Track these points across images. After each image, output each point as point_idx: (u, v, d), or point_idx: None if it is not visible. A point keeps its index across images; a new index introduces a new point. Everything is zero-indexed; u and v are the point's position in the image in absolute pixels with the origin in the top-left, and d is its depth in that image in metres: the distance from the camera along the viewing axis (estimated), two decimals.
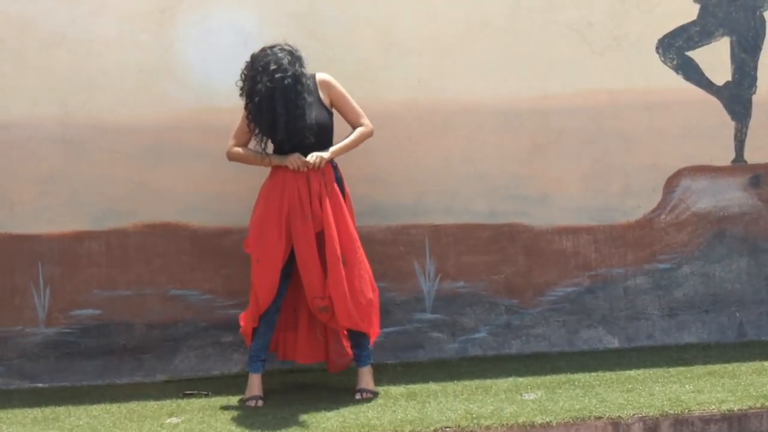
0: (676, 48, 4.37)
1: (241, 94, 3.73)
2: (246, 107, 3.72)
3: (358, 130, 3.82)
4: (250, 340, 3.80)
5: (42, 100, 4.12)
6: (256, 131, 3.71)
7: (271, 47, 3.70)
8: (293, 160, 3.69)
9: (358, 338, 3.82)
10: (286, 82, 3.60)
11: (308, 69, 3.74)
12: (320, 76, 3.79)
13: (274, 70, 3.60)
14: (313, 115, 3.68)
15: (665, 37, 4.37)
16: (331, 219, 3.70)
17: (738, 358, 4.07)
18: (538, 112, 4.29)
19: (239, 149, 3.82)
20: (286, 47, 3.70)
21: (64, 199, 4.14)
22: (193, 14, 4.15)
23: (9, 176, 4.13)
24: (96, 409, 3.73)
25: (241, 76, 3.73)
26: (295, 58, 3.68)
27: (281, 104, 3.60)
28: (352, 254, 3.73)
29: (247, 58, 3.73)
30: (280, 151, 3.75)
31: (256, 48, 3.88)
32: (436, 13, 4.24)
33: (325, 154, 3.72)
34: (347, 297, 3.69)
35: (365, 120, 3.84)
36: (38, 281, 4.14)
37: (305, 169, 3.69)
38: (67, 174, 4.14)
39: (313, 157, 3.69)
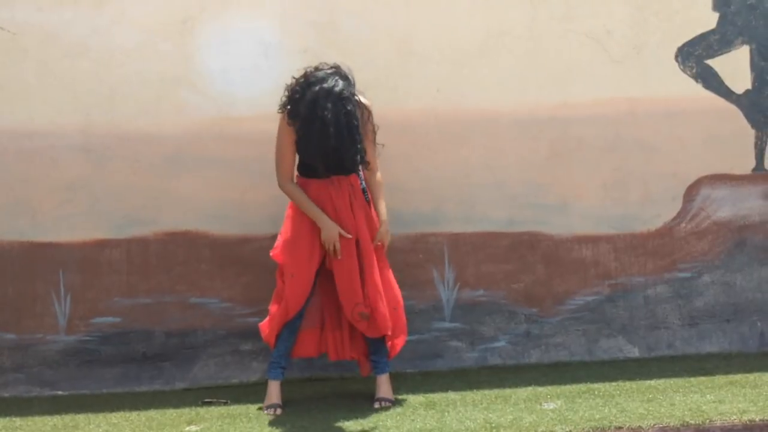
0: (695, 56, 4.36)
1: (280, 110, 3.67)
2: (295, 128, 3.63)
3: (381, 186, 3.80)
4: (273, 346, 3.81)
5: (64, 109, 4.16)
6: (304, 151, 3.66)
7: (328, 70, 3.63)
8: (330, 239, 3.66)
9: (378, 345, 3.82)
10: (349, 110, 3.54)
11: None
12: (365, 100, 3.73)
13: (344, 98, 3.54)
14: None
15: (684, 45, 4.36)
16: (365, 228, 3.73)
17: (759, 367, 4.04)
18: (557, 121, 4.29)
19: (298, 191, 3.71)
20: (342, 71, 3.65)
21: (86, 207, 4.17)
22: (214, 24, 4.18)
23: (31, 184, 4.16)
24: (115, 417, 3.74)
25: (288, 91, 3.66)
26: (352, 84, 3.63)
27: (347, 134, 3.55)
28: (383, 263, 3.78)
29: (296, 75, 3.65)
30: (306, 163, 3.72)
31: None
32: (455, 22, 4.26)
33: (387, 227, 3.75)
34: (385, 304, 3.71)
35: (377, 163, 3.81)
36: (59, 289, 4.17)
37: (333, 252, 3.68)
38: (89, 182, 4.18)
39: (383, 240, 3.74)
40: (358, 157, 3.65)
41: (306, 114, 3.60)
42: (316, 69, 3.65)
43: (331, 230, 3.67)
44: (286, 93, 3.68)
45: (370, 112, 3.76)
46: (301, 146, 3.69)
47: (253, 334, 4.03)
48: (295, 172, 3.81)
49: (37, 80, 4.15)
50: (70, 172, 4.17)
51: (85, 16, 4.15)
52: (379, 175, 3.83)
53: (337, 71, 3.65)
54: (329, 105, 3.54)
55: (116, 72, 4.16)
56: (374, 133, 3.78)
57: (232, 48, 4.17)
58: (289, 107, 3.66)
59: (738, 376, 3.92)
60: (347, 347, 3.86)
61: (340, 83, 3.59)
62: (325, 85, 3.58)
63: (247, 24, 4.18)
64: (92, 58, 4.16)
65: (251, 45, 4.16)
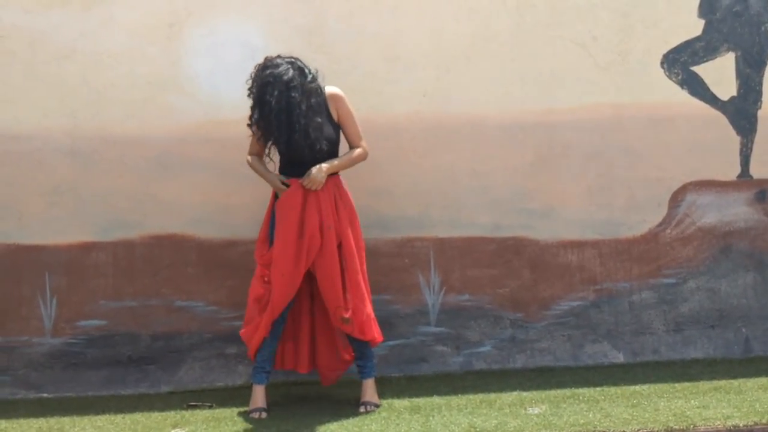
0: (680, 63, 4.39)
1: (249, 95, 3.72)
2: (251, 116, 3.72)
3: (356, 151, 3.82)
4: (256, 350, 3.80)
5: (51, 111, 4.16)
6: (260, 136, 3.72)
7: (285, 59, 3.68)
8: (275, 185, 3.76)
9: (363, 349, 3.83)
10: (293, 96, 3.58)
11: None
12: (330, 89, 3.78)
13: (292, 86, 3.58)
14: (322, 130, 3.68)
15: (670, 52, 4.38)
16: (349, 230, 3.74)
17: (744, 373, 4.06)
18: (542, 126, 4.30)
19: (254, 160, 3.84)
20: (298, 62, 3.69)
21: (72, 210, 4.18)
22: (201, 28, 4.20)
23: (17, 187, 4.17)
24: (101, 420, 3.75)
25: (250, 77, 3.72)
26: (303, 73, 3.66)
27: (286, 120, 3.59)
28: (363, 264, 3.79)
29: (259, 62, 3.71)
30: (283, 161, 3.76)
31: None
32: (441, 27, 4.27)
33: (322, 172, 3.69)
34: (368, 307, 3.73)
35: (364, 143, 3.84)
36: (45, 292, 4.17)
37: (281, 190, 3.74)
38: (75, 185, 4.18)
39: (310, 182, 3.68)
40: (310, 147, 3.64)
41: (256, 97, 3.66)
42: (277, 56, 3.70)
43: (274, 181, 3.76)
44: (249, 77, 3.73)
45: (341, 97, 3.78)
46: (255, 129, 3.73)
47: (239, 337, 4.02)
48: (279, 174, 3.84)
49: (24, 83, 4.15)
50: (57, 174, 4.17)
51: (72, 20, 4.16)
52: (359, 150, 3.82)
53: (294, 63, 3.68)
54: (276, 92, 3.58)
55: (103, 75, 4.17)
56: (351, 114, 3.79)
57: (219, 52, 4.18)
58: (252, 91, 3.71)
59: (722, 382, 3.94)
60: (303, 359, 3.86)
61: (291, 72, 3.62)
62: (275, 71, 3.61)
63: (234, 28, 4.19)
64: (79, 61, 4.16)
65: (238, 49, 4.17)
